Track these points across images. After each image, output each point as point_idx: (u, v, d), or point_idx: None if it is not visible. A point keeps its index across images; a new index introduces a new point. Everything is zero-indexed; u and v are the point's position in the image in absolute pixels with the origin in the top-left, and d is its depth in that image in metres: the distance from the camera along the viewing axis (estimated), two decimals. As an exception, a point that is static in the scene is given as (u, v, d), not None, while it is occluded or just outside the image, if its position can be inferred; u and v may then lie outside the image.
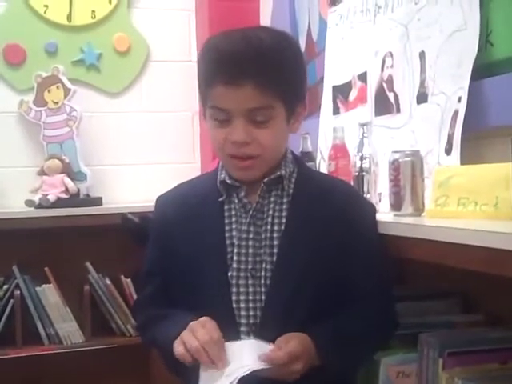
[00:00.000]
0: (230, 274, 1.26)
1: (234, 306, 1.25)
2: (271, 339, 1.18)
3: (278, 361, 1.14)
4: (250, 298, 1.25)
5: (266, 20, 2.65)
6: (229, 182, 1.30)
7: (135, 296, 2.64)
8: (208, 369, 1.16)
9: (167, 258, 1.33)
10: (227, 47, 1.21)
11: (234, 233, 1.28)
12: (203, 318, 1.20)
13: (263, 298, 1.25)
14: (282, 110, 1.25)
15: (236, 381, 1.12)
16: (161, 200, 1.41)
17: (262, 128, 1.23)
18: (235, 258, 1.26)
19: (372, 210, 1.37)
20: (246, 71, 1.19)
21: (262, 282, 1.25)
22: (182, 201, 1.36)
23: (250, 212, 1.28)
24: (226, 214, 1.30)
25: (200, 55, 1.30)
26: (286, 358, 1.14)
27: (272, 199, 1.30)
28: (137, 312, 1.46)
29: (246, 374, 1.13)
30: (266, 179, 1.28)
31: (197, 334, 1.17)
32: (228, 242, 1.28)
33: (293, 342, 1.17)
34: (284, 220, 1.28)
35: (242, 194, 1.29)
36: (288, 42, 1.28)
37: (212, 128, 1.27)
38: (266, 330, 1.22)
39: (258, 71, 1.19)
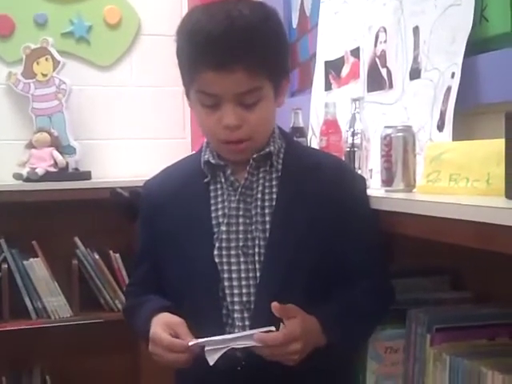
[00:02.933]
0: (218, 252, 1.25)
1: (226, 284, 1.24)
2: (266, 316, 1.16)
3: (272, 341, 1.12)
4: (243, 275, 1.24)
5: (258, -6, 2.62)
6: (213, 162, 1.29)
7: (124, 271, 2.65)
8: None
9: (156, 242, 1.33)
10: (213, 29, 1.16)
11: (220, 212, 1.27)
12: (155, 327, 1.22)
13: (257, 274, 1.24)
14: (270, 89, 1.24)
15: (224, 350, 1.12)
16: (148, 184, 1.41)
17: (252, 110, 1.22)
18: (224, 236, 1.25)
19: (362, 182, 1.36)
20: (236, 56, 1.16)
21: (256, 258, 1.25)
22: (168, 184, 1.35)
23: (239, 189, 1.27)
24: (212, 194, 1.29)
25: (181, 34, 1.25)
26: (280, 339, 1.12)
27: (261, 175, 1.28)
28: (125, 299, 1.51)
29: (238, 346, 1.13)
30: (254, 155, 1.27)
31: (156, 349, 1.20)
32: (214, 222, 1.27)
33: (292, 322, 1.14)
34: (275, 196, 1.27)
35: (229, 172, 1.28)
36: (270, 15, 1.25)
37: (200, 113, 1.25)
38: (261, 307, 1.21)
39: (248, 54, 1.17)
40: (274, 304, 1.13)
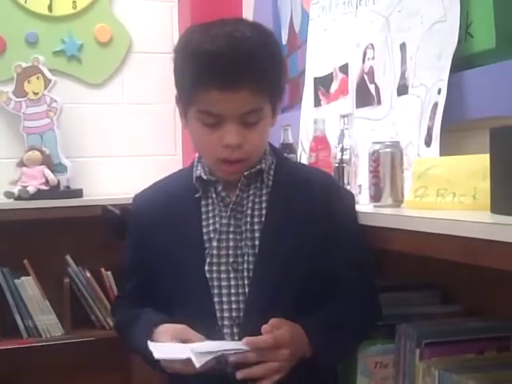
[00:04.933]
0: (208, 268, 1.25)
1: (216, 299, 1.25)
2: (255, 331, 1.17)
3: (262, 344, 1.13)
4: (233, 291, 1.25)
5: (248, 12, 2.64)
6: (205, 177, 1.29)
7: (115, 289, 2.63)
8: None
9: (145, 257, 1.32)
10: (218, 50, 1.17)
11: (212, 227, 1.27)
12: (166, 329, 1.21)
13: (246, 290, 1.24)
14: (269, 109, 1.26)
15: (213, 355, 1.11)
16: (137, 198, 1.40)
17: (252, 129, 1.23)
18: (215, 251, 1.26)
19: (351, 197, 1.37)
20: (241, 76, 1.17)
21: (245, 274, 1.25)
22: (158, 199, 1.35)
23: (230, 205, 1.27)
24: (203, 209, 1.30)
25: (182, 54, 1.25)
26: (270, 341, 1.13)
27: (251, 192, 1.29)
28: (114, 314, 1.48)
29: (227, 353, 1.12)
30: (246, 173, 1.28)
31: None
32: (205, 237, 1.27)
33: (282, 329, 1.16)
34: (264, 211, 1.28)
35: (220, 188, 1.29)
36: (268, 37, 1.27)
37: (199, 131, 1.25)
38: (250, 323, 1.21)
39: (252, 75, 1.18)
40: (265, 329, 1.14)
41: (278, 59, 1.28)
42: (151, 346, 1.16)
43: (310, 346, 1.19)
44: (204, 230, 1.28)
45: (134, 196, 1.41)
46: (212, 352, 1.12)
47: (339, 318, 1.25)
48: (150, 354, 1.16)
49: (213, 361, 1.12)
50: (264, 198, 1.29)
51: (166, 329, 1.22)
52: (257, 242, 1.25)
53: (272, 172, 1.31)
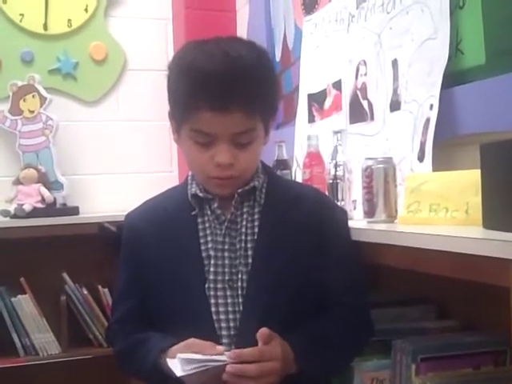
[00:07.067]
0: (207, 285, 1.25)
1: (214, 317, 1.25)
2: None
3: (247, 356, 1.12)
4: (230, 309, 1.25)
5: (242, 29, 2.66)
6: (201, 195, 1.30)
7: (113, 306, 2.63)
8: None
9: (142, 273, 1.32)
10: (213, 69, 1.16)
11: (210, 245, 1.28)
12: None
13: (241, 308, 1.25)
14: (261, 130, 1.26)
15: (199, 369, 1.11)
16: (130, 217, 1.39)
17: (244, 149, 1.23)
18: (212, 269, 1.26)
19: (343, 214, 1.38)
20: (235, 97, 1.17)
21: (239, 292, 1.25)
22: (153, 216, 1.34)
23: (225, 223, 1.28)
24: (200, 226, 1.30)
25: (177, 71, 1.25)
26: (256, 354, 1.13)
27: (245, 210, 1.30)
28: (112, 338, 1.41)
29: (214, 364, 1.12)
30: (239, 190, 1.28)
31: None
32: (204, 254, 1.28)
33: (274, 342, 1.16)
34: (256, 229, 1.28)
35: (215, 205, 1.29)
36: (262, 55, 1.27)
37: (191, 149, 1.25)
38: (244, 340, 1.21)
39: (246, 96, 1.18)
40: (263, 332, 1.14)
41: (272, 78, 1.29)
42: (179, 357, 1.14)
43: (296, 362, 1.19)
44: (202, 248, 1.28)
45: (126, 215, 1.40)
46: (198, 360, 1.11)
47: (328, 333, 1.25)
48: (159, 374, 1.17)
49: (199, 374, 1.11)
50: (256, 216, 1.29)
51: (175, 350, 1.19)
52: (250, 260, 1.26)
53: (264, 190, 1.32)
